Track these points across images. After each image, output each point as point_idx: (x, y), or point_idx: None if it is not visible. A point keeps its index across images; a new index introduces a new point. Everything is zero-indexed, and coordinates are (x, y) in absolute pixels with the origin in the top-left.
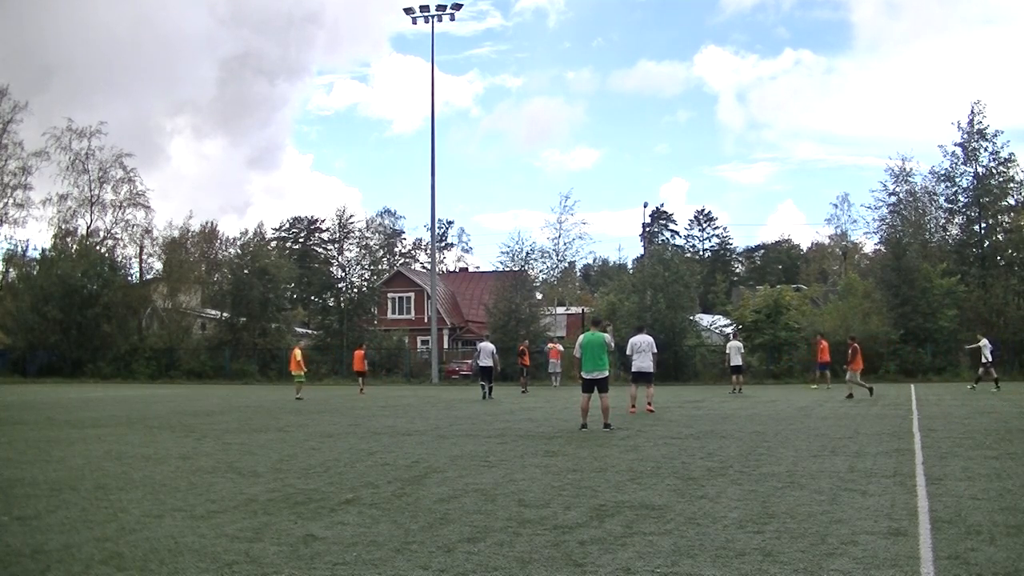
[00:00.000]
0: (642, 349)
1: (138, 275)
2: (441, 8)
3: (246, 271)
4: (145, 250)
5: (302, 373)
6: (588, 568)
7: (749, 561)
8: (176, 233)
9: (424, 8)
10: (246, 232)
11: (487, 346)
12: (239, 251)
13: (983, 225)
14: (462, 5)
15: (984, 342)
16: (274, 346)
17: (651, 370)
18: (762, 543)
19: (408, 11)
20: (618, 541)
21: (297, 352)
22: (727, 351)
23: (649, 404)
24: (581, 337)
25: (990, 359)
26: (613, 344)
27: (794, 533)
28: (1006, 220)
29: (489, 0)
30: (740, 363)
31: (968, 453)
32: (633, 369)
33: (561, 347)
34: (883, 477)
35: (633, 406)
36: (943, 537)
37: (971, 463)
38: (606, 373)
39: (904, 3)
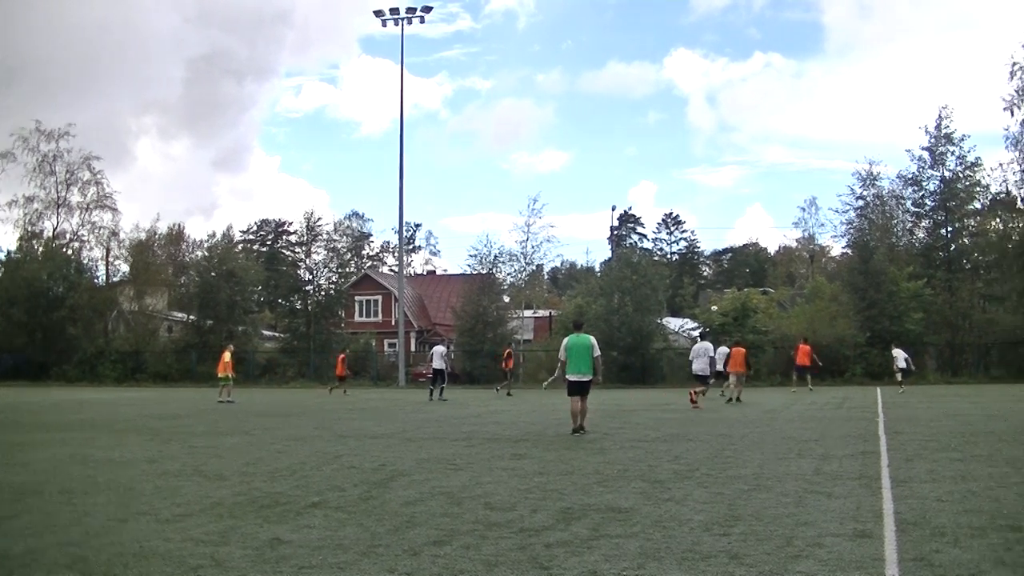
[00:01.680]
0: (698, 355)
1: (104, 277)
2: (411, 11)
3: (213, 274)
4: (112, 252)
5: (229, 375)
6: (555, 571)
7: (715, 563)
8: (143, 235)
9: (394, 11)
10: (213, 235)
11: (439, 349)
12: (206, 253)
13: (949, 229)
14: (432, 8)
15: (897, 352)
16: (241, 349)
17: (707, 373)
18: (728, 545)
19: (378, 13)
20: (584, 544)
21: (227, 354)
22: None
23: (694, 399)
24: (566, 340)
25: (904, 366)
26: (598, 348)
27: (760, 535)
28: (972, 224)
29: (459, 3)
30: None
31: (933, 455)
32: (693, 371)
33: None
34: (849, 479)
35: (694, 401)
36: (908, 539)
37: (936, 465)
38: (590, 376)
39: (875, 5)
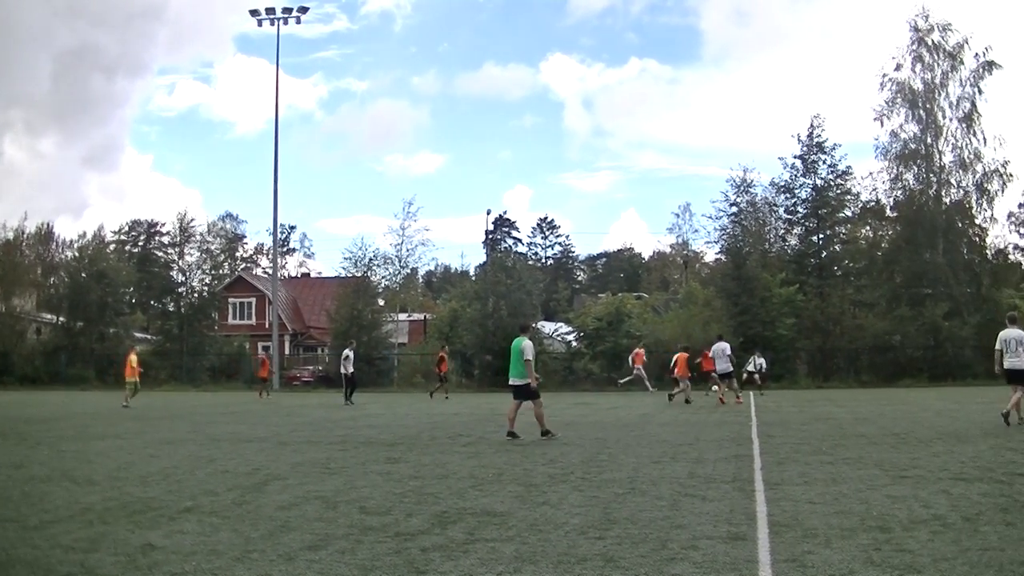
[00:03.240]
0: (718, 355)
1: None
2: (287, 11)
3: (84, 275)
4: None
5: (136, 379)
6: (430, 575)
7: (591, 567)
8: (10, 235)
9: (270, 10)
10: (84, 235)
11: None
12: (76, 254)
13: (821, 236)
14: (308, 8)
15: (756, 357)
16: (112, 351)
17: (730, 370)
18: (604, 549)
19: (254, 13)
20: (460, 548)
21: (133, 357)
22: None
23: (723, 398)
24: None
25: (763, 369)
26: (532, 352)
27: (635, 539)
28: (843, 231)
29: (336, 3)
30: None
31: (805, 459)
32: (718, 371)
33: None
34: (723, 483)
35: (723, 400)
36: (781, 541)
37: (808, 468)
38: (524, 380)
39: (752, 11)
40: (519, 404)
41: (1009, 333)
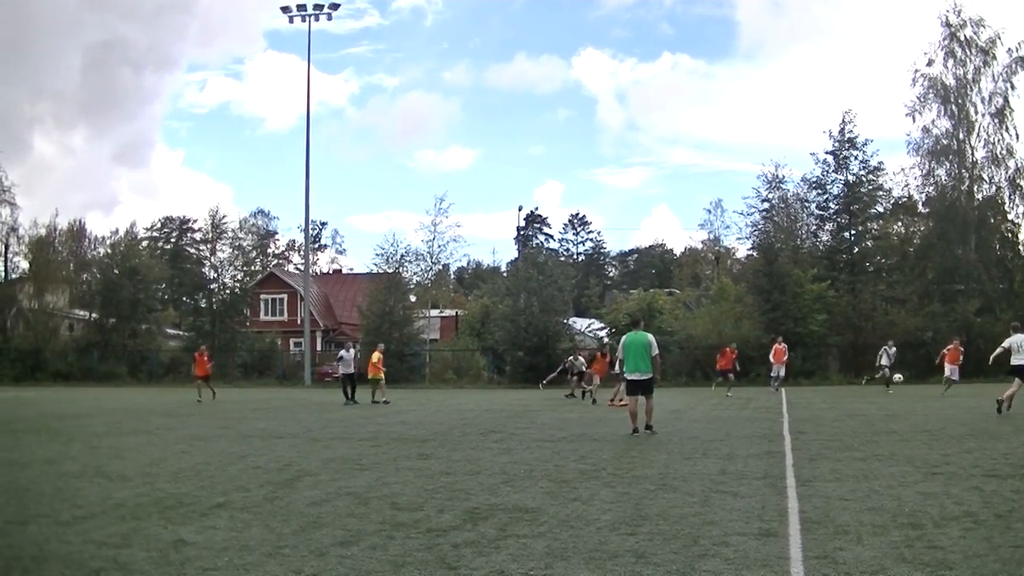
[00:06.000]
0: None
1: (3, 274)
2: (318, 8)
3: (116, 271)
4: (11, 248)
5: (380, 376)
6: (462, 571)
7: (622, 563)
8: (43, 232)
9: (301, 7)
10: (116, 231)
11: (347, 353)
12: (109, 250)
13: (852, 232)
14: (339, 4)
15: (888, 348)
16: (144, 347)
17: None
18: (635, 545)
19: (285, 9)
20: (492, 544)
21: (376, 354)
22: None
23: None
24: (624, 337)
25: (892, 361)
26: (656, 346)
27: (667, 535)
28: (874, 227)
29: None
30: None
31: (836, 455)
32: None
33: (784, 346)
34: (754, 479)
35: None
36: (812, 537)
37: (839, 465)
38: (649, 375)
39: (787, 2)
40: (637, 399)
41: None
